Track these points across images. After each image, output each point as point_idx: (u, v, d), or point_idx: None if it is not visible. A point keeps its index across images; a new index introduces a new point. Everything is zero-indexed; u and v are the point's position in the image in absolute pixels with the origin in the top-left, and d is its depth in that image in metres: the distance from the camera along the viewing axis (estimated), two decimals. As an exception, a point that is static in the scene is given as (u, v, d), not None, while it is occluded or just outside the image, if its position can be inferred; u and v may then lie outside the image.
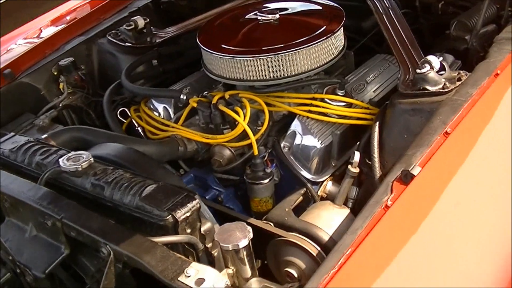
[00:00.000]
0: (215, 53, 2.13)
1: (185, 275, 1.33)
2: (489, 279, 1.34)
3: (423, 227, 1.37)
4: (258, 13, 2.26)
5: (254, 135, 2.05)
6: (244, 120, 2.02)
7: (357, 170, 1.92)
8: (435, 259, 1.33)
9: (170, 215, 1.47)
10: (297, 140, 2.04)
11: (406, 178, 1.46)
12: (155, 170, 1.80)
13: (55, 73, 2.44)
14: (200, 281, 1.32)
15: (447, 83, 1.83)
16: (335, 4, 2.29)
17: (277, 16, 2.23)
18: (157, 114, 2.30)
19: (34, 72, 2.40)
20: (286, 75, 2.07)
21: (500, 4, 2.16)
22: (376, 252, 1.33)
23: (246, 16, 2.33)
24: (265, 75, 2.07)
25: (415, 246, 1.34)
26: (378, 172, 1.87)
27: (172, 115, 2.29)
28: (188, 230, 1.52)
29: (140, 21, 2.54)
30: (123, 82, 2.34)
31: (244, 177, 2.02)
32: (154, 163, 1.87)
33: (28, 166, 1.80)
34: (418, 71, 1.86)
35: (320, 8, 2.31)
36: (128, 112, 2.28)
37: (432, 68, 1.86)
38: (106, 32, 2.61)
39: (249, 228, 1.52)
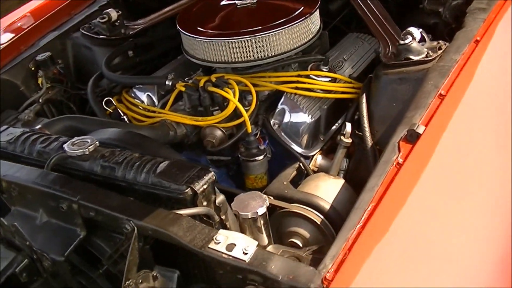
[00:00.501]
0: (198, 37, 2.16)
1: (214, 242, 1.38)
2: (496, 223, 1.44)
3: (433, 181, 1.46)
4: (235, -2, 2.31)
5: (240, 116, 2.10)
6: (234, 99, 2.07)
7: (349, 140, 2.00)
8: (447, 208, 1.42)
9: (189, 188, 1.51)
10: (286, 117, 2.10)
11: (412, 137, 1.55)
12: (158, 149, 1.82)
13: (33, 69, 2.41)
14: (231, 246, 1.36)
15: (430, 52, 1.94)
16: None
17: (255, 0, 2.29)
18: (140, 102, 2.32)
19: (11, 68, 2.37)
20: (269, 56, 2.12)
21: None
22: (395, 206, 1.40)
23: (223, 2, 2.38)
24: (249, 56, 2.12)
25: (428, 198, 1.43)
26: (369, 141, 1.95)
27: (156, 102, 2.31)
28: (205, 203, 1.56)
29: (113, 14, 2.55)
30: (105, 73, 2.34)
31: (239, 155, 2.07)
32: (156, 144, 1.90)
33: (29, 155, 1.79)
34: (401, 42, 1.96)
35: None
36: (112, 101, 2.28)
37: (414, 38, 1.96)
38: (79, 27, 2.60)
39: (265, 196, 1.57)
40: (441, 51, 1.94)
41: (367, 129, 1.97)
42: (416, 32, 1.97)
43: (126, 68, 2.52)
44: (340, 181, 1.99)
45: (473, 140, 1.59)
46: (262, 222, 1.55)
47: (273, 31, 2.09)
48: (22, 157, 1.80)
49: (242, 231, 1.58)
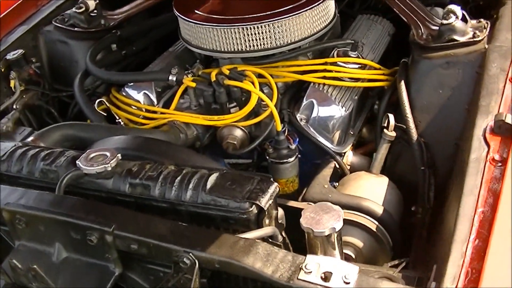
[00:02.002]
0: (205, 24, 1.87)
1: (304, 272, 1.11)
2: None
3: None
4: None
5: (259, 114, 1.84)
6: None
7: (394, 133, 1.77)
8: None
9: (253, 205, 1.23)
10: (315, 111, 1.85)
11: (501, 128, 1.33)
12: (191, 158, 1.53)
13: (3, 69, 2.05)
14: (328, 275, 1.10)
15: (476, 31, 1.73)
16: None
17: None
18: (135, 102, 2.00)
19: (-23, 71, 2.00)
20: (288, 42, 1.87)
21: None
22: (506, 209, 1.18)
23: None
24: (265, 44, 1.86)
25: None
26: (414, 133, 1.73)
27: (155, 101, 2.00)
28: (267, 221, 1.29)
29: (91, 2, 2.21)
30: (92, 70, 2.02)
31: (267, 157, 1.80)
32: (187, 151, 1.60)
33: (29, 175, 1.46)
34: (444, 22, 1.76)
35: None
36: (105, 103, 1.96)
37: (457, 17, 1.75)
38: (51, 19, 2.24)
39: (337, 208, 1.31)
40: (486, 30, 1.74)
41: (410, 120, 1.75)
42: (458, 10, 1.75)
43: (110, 64, 2.20)
44: (385, 179, 1.77)
45: None
46: (337, 238, 1.29)
47: (294, 14, 1.83)
48: (20, 178, 1.47)
49: (311, 250, 1.31)
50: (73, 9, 2.21)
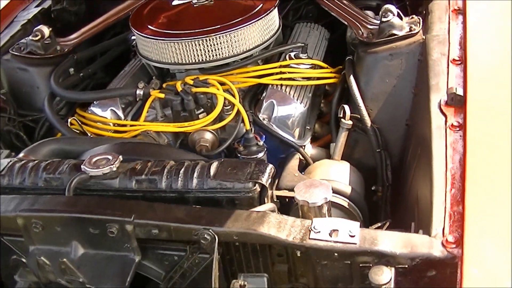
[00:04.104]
0: (164, 38, 2.02)
1: (314, 231, 1.28)
2: None
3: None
4: (188, -4, 2.21)
5: (224, 119, 2.00)
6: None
7: (350, 122, 1.98)
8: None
9: (256, 184, 1.40)
10: (275, 110, 2.03)
11: (454, 100, 1.56)
12: (183, 155, 1.66)
13: (-33, 98, 2.10)
14: (334, 232, 1.27)
15: (412, 25, 1.99)
16: None
17: None
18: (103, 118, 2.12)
19: None
20: (242, 51, 2.05)
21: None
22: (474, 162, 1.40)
23: (175, 2, 2.25)
24: (221, 54, 2.03)
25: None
26: (368, 121, 1.95)
27: (122, 117, 2.12)
28: (265, 200, 1.45)
29: (46, 30, 2.30)
30: (60, 92, 2.12)
31: (238, 155, 1.95)
32: (176, 150, 1.74)
33: (33, 185, 1.55)
34: (383, 19, 1.99)
35: None
36: (77, 121, 2.05)
37: (394, 15, 2.00)
38: (6, 49, 2.31)
39: (325, 181, 1.50)
40: (420, 24, 2.00)
41: (363, 109, 1.97)
42: (394, 8, 2.00)
43: (69, 87, 2.28)
44: (347, 164, 1.97)
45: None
46: (327, 208, 1.47)
47: (247, 24, 2.02)
48: (24, 189, 1.55)
49: (305, 220, 1.48)
50: (29, 37, 2.29)
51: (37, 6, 2.58)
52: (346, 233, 1.27)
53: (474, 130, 1.44)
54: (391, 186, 1.94)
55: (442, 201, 1.32)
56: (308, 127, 2.12)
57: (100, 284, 1.36)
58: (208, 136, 2.00)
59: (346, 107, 1.98)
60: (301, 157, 2.00)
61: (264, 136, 1.99)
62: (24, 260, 1.44)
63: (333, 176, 1.88)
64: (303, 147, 2.06)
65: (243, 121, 1.97)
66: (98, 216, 1.36)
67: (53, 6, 2.59)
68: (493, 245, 1.22)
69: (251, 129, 1.97)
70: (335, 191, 1.80)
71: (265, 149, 1.97)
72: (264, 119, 2.03)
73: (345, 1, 2.24)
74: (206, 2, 2.20)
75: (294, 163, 1.95)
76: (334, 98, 2.11)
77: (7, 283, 1.60)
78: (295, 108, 2.03)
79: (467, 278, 1.16)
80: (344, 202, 1.78)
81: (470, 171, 1.35)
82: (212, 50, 2.01)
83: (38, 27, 2.31)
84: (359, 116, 1.97)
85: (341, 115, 1.98)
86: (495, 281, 1.16)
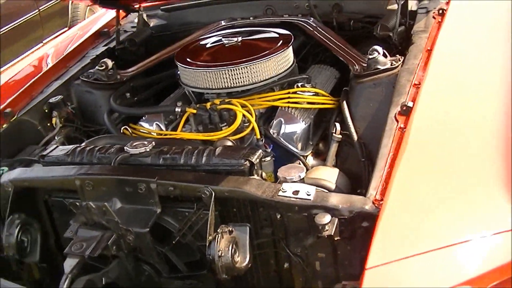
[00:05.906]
0: (200, 69, 2.60)
1: (282, 191, 1.77)
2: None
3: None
4: (223, 38, 2.79)
5: (243, 130, 2.53)
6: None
7: (340, 136, 2.47)
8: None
9: (247, 161, 1.91)
10: (283, 126, 2.55)
11: (405, 110, 2.04)
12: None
13: (46, 110, 2.71)
14: (296, 192, 1.76)
15: (393, 62, 2.49)
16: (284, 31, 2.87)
17: (240, 39, 2.77)
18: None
19: (29, 110, 2.66)
20: (260, 80, 2.59)
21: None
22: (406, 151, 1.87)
23: (209, 44, 2.84)
24: (244, 81, 2.57)
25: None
26: (355, 135, 2.43)
27: (164, 129, 2.69)
28: (256, 177, 1.95)
29: (109, 62, 2.92)
30: (116, 107, 2.72)
31: (250, 159, 2.47)
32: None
33: (89, 162, 2.10)
34: (370, 56, 2.50)
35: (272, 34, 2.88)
36: (128, 129, 2.63)
37: (379, 53, 2.51)
38: (78, 76, 2.94)
39: (301, 166, 2.00)
40: (400, 61, 2.50)
41: (352, 127, 2.45)
42: (380, 49, 2.52)
43: (125, 107, 2.88)
44: (336, 170, 2.43)
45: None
46: (303, 184, 1.96)
47: (265, 59, 2.56)
48: (82, 164, 2.11)
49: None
50: (96, 68, 2.92)
51: (104, 46, 3.23)
52: (305, 193, 1.76)
53: (414, 130, 1.92)
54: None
55: (380, 175, 1.79)
56: (311, 142, 2.61)
57: (130, 226, 1.88)
58: (229, 144, 2.53)
59: (337, 125, 2.47)
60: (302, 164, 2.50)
61: (271, 145, 2.50)
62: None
63: (324, 177, 2.36)
64: (305, 157, 2.55)
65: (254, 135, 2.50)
66: (133, 177, 1.90)
67: (117, 46, 3.24)
68: (406, 207, 1.67)
69: (262, 139, 2.50)
70: (320, 186, 2.29)
71: (272, 155, 2.48)
72: (274, 133, 2.55)
73: (344, 42, 2.76)
74: (235, 42, 2.77)
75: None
76: (332, 119, 2.60)
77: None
78: (299, 126, 2.54)
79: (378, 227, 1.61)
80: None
81: (402, 155, 1.82)
82: (236, 78, 2.56)
83: (104, 59, 2.94)
84: (348, 133, 2.45)
85: (333, 131, 2.48)
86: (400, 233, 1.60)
